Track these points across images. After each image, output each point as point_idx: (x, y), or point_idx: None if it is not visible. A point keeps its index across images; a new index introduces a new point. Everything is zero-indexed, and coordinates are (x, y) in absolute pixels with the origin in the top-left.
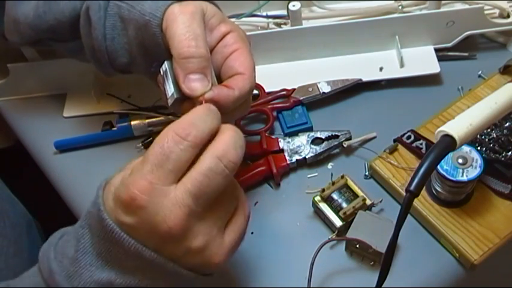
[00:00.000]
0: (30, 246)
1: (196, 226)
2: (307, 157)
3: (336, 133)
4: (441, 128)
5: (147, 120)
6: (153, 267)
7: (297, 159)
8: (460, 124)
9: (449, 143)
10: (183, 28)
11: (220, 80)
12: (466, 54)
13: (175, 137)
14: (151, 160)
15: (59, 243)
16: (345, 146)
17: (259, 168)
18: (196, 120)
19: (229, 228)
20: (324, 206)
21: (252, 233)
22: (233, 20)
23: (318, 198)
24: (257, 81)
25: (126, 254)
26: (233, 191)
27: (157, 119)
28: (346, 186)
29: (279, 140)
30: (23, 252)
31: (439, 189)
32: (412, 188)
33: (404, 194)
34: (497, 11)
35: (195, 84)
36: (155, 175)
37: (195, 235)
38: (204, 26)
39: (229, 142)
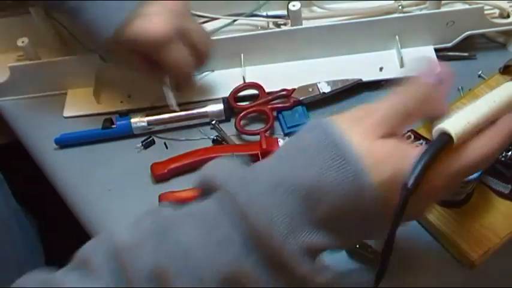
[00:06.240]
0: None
1: None
2: None
3: None
4: (438, 126)
5: (147, 118)
6: None
7: None
8: (458, 122)
9: (446, 141)
10: None
11: None
12: (466, 54)
13: None
14: None
15: None
16: None
17: None
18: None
19: None
20: None
21: None
22: (233, 19)
23: None
24: (257, 81)
25: None
26: None
27: (157, 117)
28: None
29: (279, 140)
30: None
31: None
32: (409, 185)
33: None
34: (497, 11)
35: None
36: None
37: None
38: None
39: None
